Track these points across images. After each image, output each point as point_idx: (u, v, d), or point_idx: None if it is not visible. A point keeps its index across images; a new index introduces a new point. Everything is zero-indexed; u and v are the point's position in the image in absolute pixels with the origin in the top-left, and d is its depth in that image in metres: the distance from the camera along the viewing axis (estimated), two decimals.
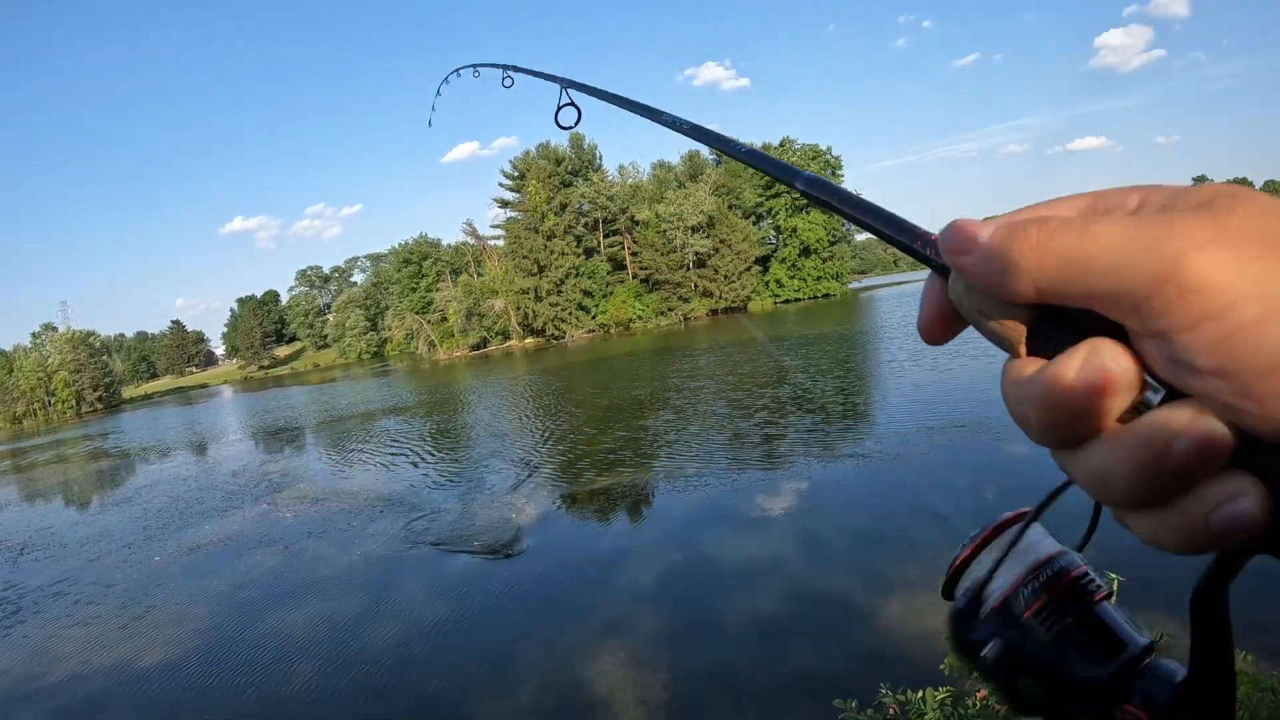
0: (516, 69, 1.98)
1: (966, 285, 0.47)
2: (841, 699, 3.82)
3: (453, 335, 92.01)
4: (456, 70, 2.57)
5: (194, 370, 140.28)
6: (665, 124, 0.91)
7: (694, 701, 8.62)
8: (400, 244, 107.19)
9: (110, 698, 11.12)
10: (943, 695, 3.64)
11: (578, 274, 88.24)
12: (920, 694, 3.71)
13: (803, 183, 0.66)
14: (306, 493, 23.03)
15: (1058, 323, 0.44)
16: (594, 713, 8.75)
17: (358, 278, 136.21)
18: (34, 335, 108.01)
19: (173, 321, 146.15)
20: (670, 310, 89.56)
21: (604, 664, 9.85)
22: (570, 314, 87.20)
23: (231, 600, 14.78)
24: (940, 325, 0.53)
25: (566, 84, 1.26)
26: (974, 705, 3.55)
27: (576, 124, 1.29)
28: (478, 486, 21.51)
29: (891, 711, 3.88)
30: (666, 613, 11.25)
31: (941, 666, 3.65)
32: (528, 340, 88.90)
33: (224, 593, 15.24)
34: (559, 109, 1.28)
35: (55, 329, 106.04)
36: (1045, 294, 0.42)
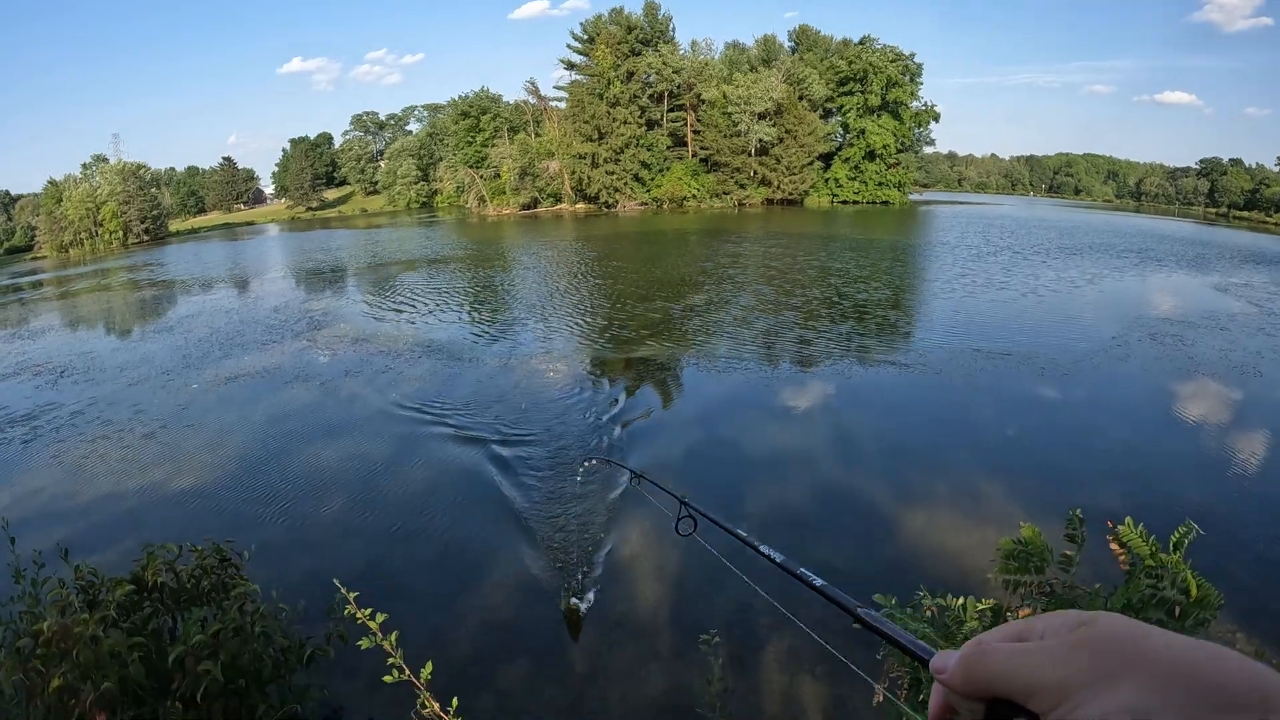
0: None
1: (947, 691, 0.68)
2: (882, 595, 3.79)
3: (504, 193, 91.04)
4: None
5: (242, 207, 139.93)
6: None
7: (718, 584, 8.54)
8: (460, 96, 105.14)
9: (141, 518, 11.23)
10: (984, 607, 3.62)
11: (637, 145, 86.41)
12: (961, 601, 3.69)
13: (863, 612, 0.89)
14: (346, 333, 23.15)
15: (998, 712, 0.62)
16: (616, 579, 8.57)
17: (413, 127, 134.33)
18: (84, 166, 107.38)
19: (224, 158, 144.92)
20: (726, 194, 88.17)
21: (629, 534, 9.63)
22: (625, 184, 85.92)
23: (266, 432, 14.75)
24: (939, 714, 0.70)
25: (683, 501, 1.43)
26: (1016, 620, 3.24)
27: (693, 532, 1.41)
28: (517, 342, 21.31)
29: (929, 613, 3.91)
30: (694, 491, 10.97)
31: (989, 576, 3.63)
32: (579, 205, 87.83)
33: (259, 424, 15.24)
34: (678, 520, 1.41)
35: (106, 160, 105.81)
36: (985, 694, 0.63)
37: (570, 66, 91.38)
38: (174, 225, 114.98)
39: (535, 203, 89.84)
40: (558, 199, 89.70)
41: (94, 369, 20.86)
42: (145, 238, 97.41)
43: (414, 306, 27.69)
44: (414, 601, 8.49)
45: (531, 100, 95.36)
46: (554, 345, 20.57)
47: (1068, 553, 3.35)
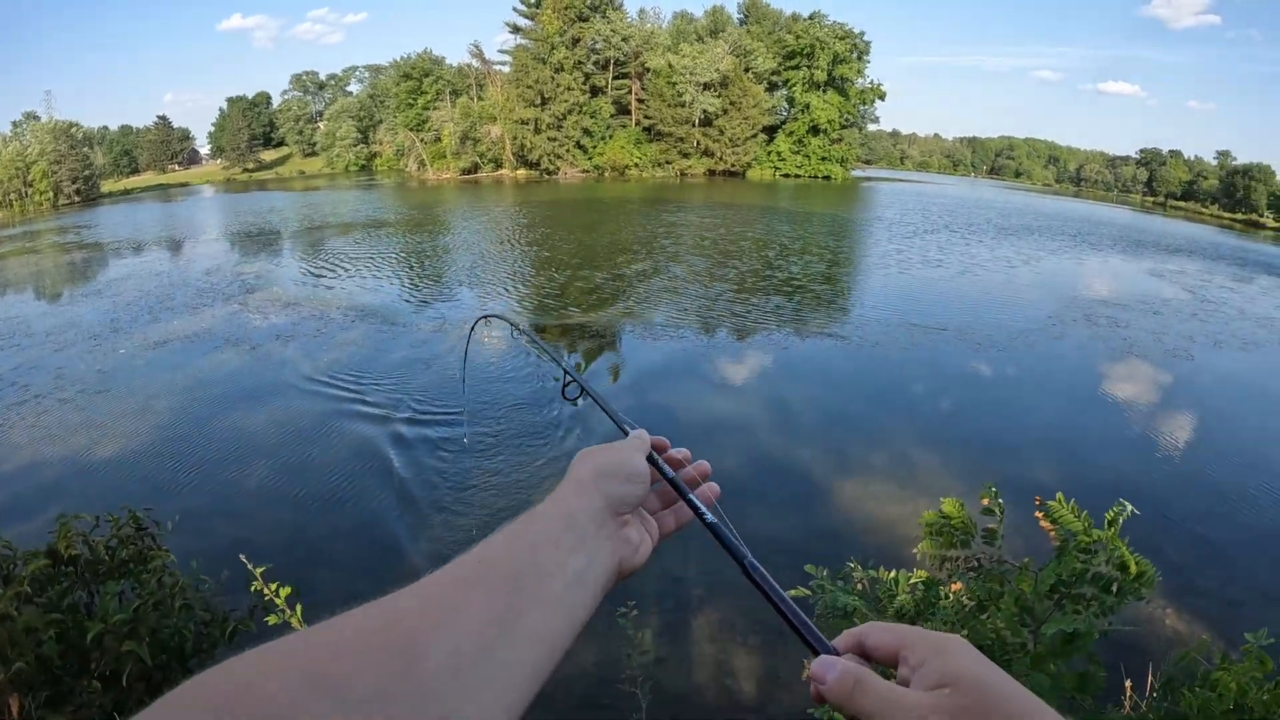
0: None
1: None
2: (814, 565, 3.80)
3: (444, 157, 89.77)
4: None
5: (176, 168, 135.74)
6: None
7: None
8: (402, 57, 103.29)
9: (63, 487, 11.03)
10: (916, 579, 3.64)
11: (580, 111, 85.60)
12: (893, 574, 3.72)
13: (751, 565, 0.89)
14: (279, 296, 23.01)
15: None
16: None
17: (354, 88, 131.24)
18: (14, 124, 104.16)
19: (158, 116, 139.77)
20: (668, 164, 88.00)
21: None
22: (567, 151, 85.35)
23: (193, 396, 14.60)
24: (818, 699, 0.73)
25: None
26: (946, 595, 3.54)
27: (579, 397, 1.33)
28: (452, 306, 21.30)
29: (860, 586, 3.90)
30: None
31: (915, 551, 3.58)
32: (520, 171, 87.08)
33: (186, 389, 15.06)
34: (564, 386, 1.33)
35: (37, 118, 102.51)
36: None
37: (515, 30, 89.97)
38: (106, 186, 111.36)
39: (476, 168, 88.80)
40: (499, 164, 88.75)
41: (19, 334, 20.30)
42: (76, 199, 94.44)
43: (348, 270, 27.41)
44: (335, 568, 8.55)
45: (475, 64, 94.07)
46: (488, 309, 20.63)
47: (991, 526, 3.45)
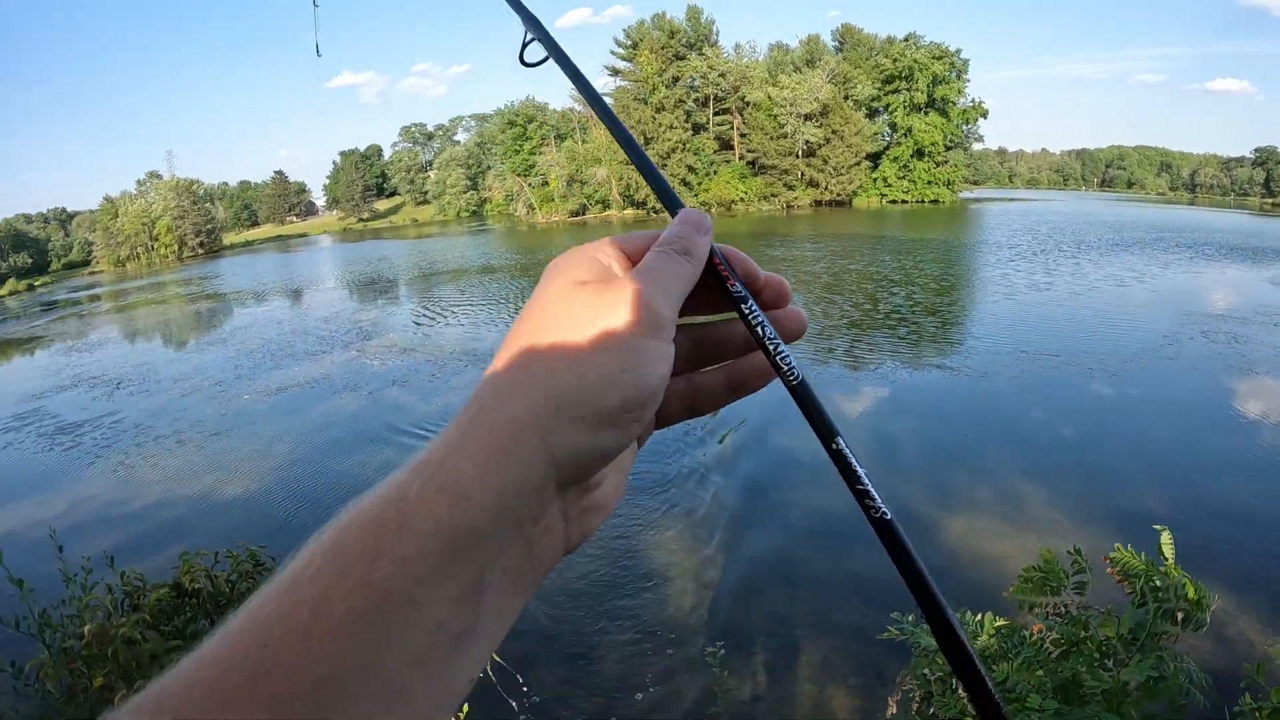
0: None
1: None
2: (899, 612, 3.82)
3: (552, 200, 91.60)
4: None
5: (294, 220, 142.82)
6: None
7: (750, 587, 8.59)
8: (506, 105, 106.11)
9: (188, 524, 11.49)
10: (1001, 624, 3.68)
11: (683, 149, 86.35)
12: (979, 617, 3.73)
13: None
14: (394, 342, 23.44)
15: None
16: (649, 582, 8.57)
17: (461, 137, 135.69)
18: (139, 183, 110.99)
19: (275, 171, 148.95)
20: (774, 196, 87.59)
21: (665, 536, 9.62)
22: (671, 187, 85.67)
23: (313, 440, 14.99)
24: None
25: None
26: (1030, 636, 3.54)
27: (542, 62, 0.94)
28: None
29: None
30: (731, 497, 11.14)
31: (1005, 594, 3.64)
32: (627, 210, 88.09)
33: (307, 432, 15.48)
34: (524, 46, 0.94)
35: (160, 177, 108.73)
36: None
37: (615, 73, 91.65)
38: (228, 238, 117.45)
39: (584, 209, 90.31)
40: (606, 205, 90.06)
41: (148, 380, 21.39)
42: (200, 251, 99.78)
43: (459, 316, 27.99)
44: None
45: (577, 107, 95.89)
46: None
47: (1082, 580, 3.42)
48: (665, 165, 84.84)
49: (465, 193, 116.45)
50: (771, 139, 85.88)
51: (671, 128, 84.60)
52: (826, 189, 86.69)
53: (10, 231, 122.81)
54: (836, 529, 9.76)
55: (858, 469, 0.58)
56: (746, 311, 0.59)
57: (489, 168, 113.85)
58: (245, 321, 31.38)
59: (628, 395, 0.49)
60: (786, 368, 0.59)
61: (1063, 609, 3.58)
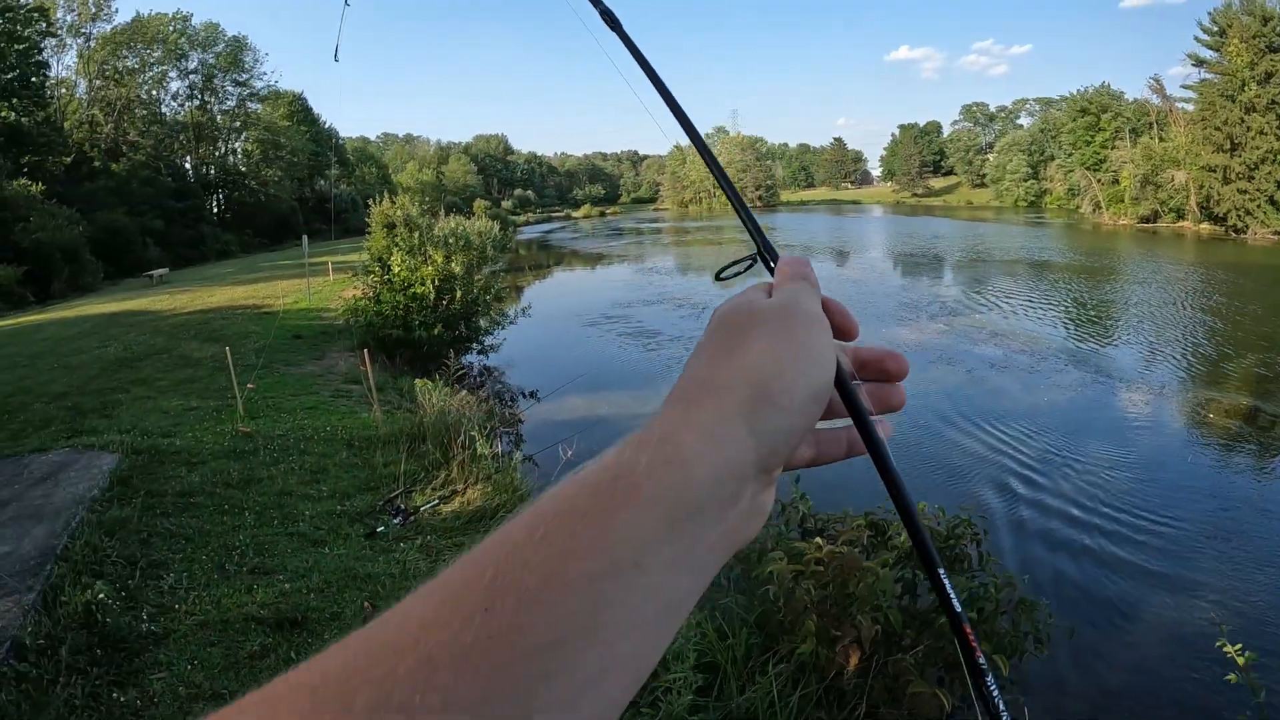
0: None
1: None
2: None
3: (1121, 201, 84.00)
4: None
5: (848, 186, 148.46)
6: None
7: None
8: (1078, 91, 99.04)
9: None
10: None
11: (1275, 161, 72.95)
12: None
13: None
14: (982, 324, 23.02)
15: None
16: None
17: (1024, 121, 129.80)
18: (706, 136, 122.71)
19: (834, 138, 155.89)
20: None
21: None
22: (1258, 207, 73.12)
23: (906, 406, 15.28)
24: None
25: None
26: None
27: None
28: (1148, 372, 18.61)
29: None
30: None
31: None
32: (1203, 225, 77.68)
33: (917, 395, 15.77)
34: None
35: (726, 132, 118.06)
36: None
37: (1199, 63, 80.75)
38: (784, 195, 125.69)
39: (1155, 216, 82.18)
40: (1180, 214, 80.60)
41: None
42: (758, 204, 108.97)
43: (1041, 310, 26.51)
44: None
45: (1155, 100, 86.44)
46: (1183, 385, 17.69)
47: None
48: (1252, 177, 72.48)
49: (1025, 181, 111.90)
50: None
51: (1262, 133, 72.32)
52: None
53: (588, 165, 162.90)
54: None
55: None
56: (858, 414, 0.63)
57: (1052, 157, 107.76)
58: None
59: (815, 380, 0.56)
60: (884, 457, 0.61)
61: None
